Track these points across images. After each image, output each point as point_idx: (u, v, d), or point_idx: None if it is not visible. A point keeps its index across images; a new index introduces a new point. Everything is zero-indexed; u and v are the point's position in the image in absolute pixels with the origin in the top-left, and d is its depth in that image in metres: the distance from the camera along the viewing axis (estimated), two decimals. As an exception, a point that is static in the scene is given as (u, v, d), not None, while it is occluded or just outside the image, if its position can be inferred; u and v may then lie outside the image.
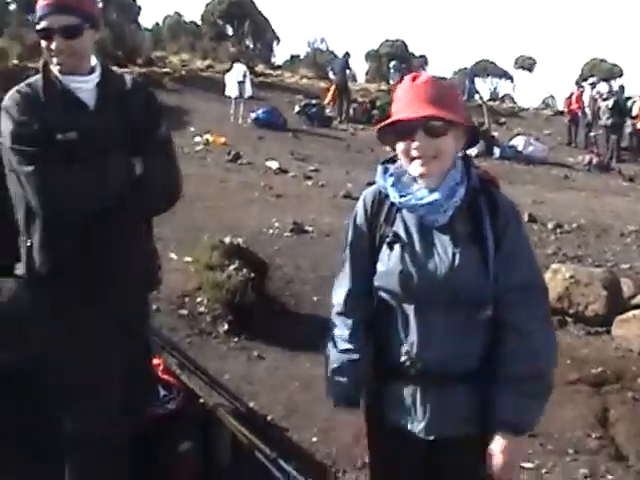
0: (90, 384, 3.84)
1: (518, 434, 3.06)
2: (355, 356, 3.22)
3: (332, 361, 3.30)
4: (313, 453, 5.49)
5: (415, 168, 3.01)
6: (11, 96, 3.70)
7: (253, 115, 23.43)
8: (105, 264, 3.81)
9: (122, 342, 3.94)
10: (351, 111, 28.27)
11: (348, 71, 29.64)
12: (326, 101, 28.34)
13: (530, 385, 3.01)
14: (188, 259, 8.01)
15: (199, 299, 7.52)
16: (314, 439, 5.63)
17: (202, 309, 7.41)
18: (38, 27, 3.68)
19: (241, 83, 24.15)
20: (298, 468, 4.92)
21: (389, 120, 3.06)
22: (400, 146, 3.05)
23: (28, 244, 3.85)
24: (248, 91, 24.65)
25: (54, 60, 3.71)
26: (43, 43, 3.70)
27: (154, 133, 3.91)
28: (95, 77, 3.81)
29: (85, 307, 3.83)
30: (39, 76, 3.76)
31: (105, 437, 3.86)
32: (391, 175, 3.13)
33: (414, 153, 3.00)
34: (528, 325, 3.02)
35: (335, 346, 3.30)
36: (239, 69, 24.75)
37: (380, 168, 3.20)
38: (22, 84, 3.77)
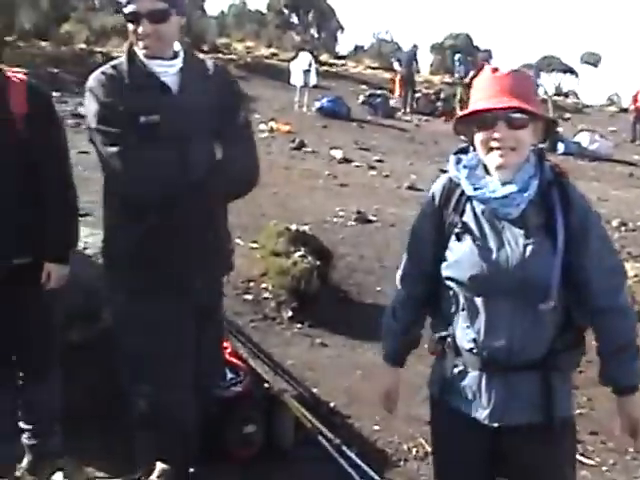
0: (164, 364, 3.90)
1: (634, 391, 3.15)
2: (399, 326, 3.40)
3: (383, 324, 3.46)
4: (374, 441, 5.50)
5: (494, 159, 3.01)
6: (96, 77, 3.76)
7: (317, 104, 23.42)
8: (183, 247, 3.86)
9: (197, 324, 4.01)
10: (415, 103, 28.20)
11: (415, 63, 29.54)
12: (396, 93, 28.31)
13: (631, 352, 3.11)
14: (253, 245, 8.06)
15: (264, 285, 7.57)
16: (375, 427, 5.65)
17: (267, 295, 7.46)
18: (126, 10, 3.73)
19: (306, 72, 24.15)
20: (360, 455, 4.97)
21: (470, 110, 3.06)
22: (479, 136, 3.05)
23: (107, 225, 3.94)
24: (313, 80, 24.65)
25: (140, 44, 3.76)
26: (130, 26, 3.75)
27: (235, 118, 3.94)
28: (178, 62, 3.85)
29: (163, 288, 3.90)
30: (123, 58, 3.81)
31: (175, 416, 3.92)
32: (465, 167, 3.14)
33: (494, 144, 2.99)
34: (624, 305, 3.14)
35: (388, 313, 3.45)
36: (305, 58, 24.77)
37: (453, 158, 3.21)
38: (107, 65, 3.82)
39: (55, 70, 21.24)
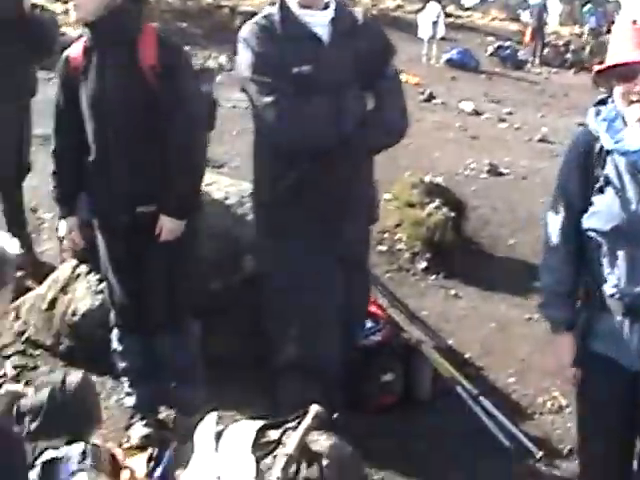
0: (311, 310, 3.97)
1: None
2: (566, 288, 3.32)
3: (546, 291, 3.40)
4: (509, 394, 5.49)
5: (634, 112, 2.97)
6: (249, 28, 3.79)
7: (446, 56, 23.21)
8: (334, 196, 3.90)
9: (345, 273, 4.05)
10: (544, 55, 27.66)
11: (545, 14, 28.90)
12: (525, 43, 27.84)
13: None
14: (387, 196, 8.06)
15: (398, 236, 7.57)
16: (510, 380, 5.64)
17: (401, 246, 7.47)
18: None
19: (434, 23, 23.89)
20: (496, 407, 4.98)
21: (611, 62, 3.01)
22: (619, 89, 3.01)
23: (257, 174, 4.00)
24: (441, 31, 24.38)
25: None
26: None
27: (385, 70, 3.94)
28: (330, 12, 3.86)
29: (313, 236, 3.95)
30: (275, 9, 3.84)
31: (322, 363, 3.98)
32: (604, 120, 3.09)
33: (634, 97, 2.96)
34: None
35: (546, 275, 3.39)
36: (433, 9, 24.44)
37: (592, 110, 3.17)
38: (259, 16, 3.85)
39: (183, 24, 21.47)
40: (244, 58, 3.78)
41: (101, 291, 5.13)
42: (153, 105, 4.08)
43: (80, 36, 4.34)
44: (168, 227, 4.17)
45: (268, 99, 3.67)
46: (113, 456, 3.35)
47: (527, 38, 28.01)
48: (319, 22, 3.82)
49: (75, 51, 4.22)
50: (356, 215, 4.07)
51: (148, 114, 4.10)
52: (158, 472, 3.76)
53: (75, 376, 3.77)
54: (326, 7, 3.86)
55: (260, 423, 3.18)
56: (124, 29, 4.09)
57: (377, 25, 4.18)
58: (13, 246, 2.38)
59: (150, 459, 3.86)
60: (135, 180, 4.19)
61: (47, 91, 7.82)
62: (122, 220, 4.25)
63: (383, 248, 7.43)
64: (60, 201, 4.50)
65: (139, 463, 3.34)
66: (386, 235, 7.57)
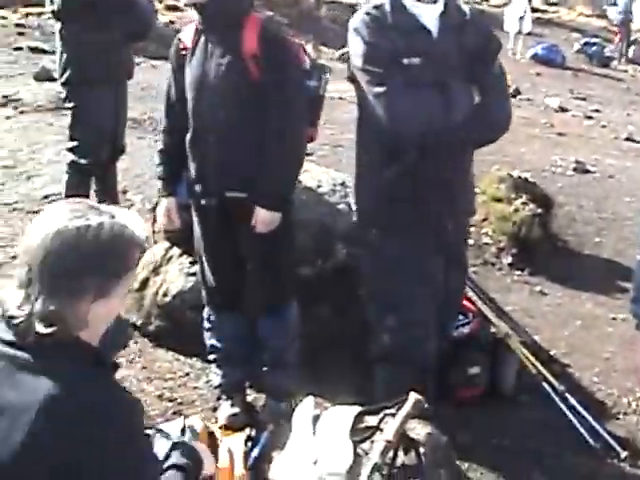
0: (411, 301, 4.00)
1: None
2: None
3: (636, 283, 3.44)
4: (593, 392, 5.46)
5: None
6: (360, 18, 3.81)
7: (531, 51, 22.98)
8: (438, 188, 3.92)
9: (444, 265, 4.09)
10: (631, 52, 27.20)
11: (631, 12, 28.42)
12: (616, 41, 27.42)
13: None
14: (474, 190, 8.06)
15: (484, 230, 7.57)
16: (594, 379, 5.61)
17: (487, 240, 7.46)
18: None
19: (521, 18, 23.69)
20: (581, 405, 4.96)
21: None
22: None
23: (360, 163, 4.04)
24: (527, 26, 24.17)
25: None
26: None
27: (491, 65, 3.93)
28: (439, 6, 3.86)
29: (416, 227, 3.98)
30: (386, 0, 3.86)
31: (418, 353, 4.01)
32: None
33: None
34: None
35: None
36: (520, 3, 24.22)
37: None
38: (369, 6, 3.86)
39: (269, 13, 21.56)
40: (355, 48, 3.80)
41: (193, 273, 5.23)
42: (252, 93, 4.12)
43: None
44: (263, 219, 4.20)
45: (379, 89, 3.68)
46: (211, 434, 3.41)
47: (617, 36, 27.55)
48: (429, 15, 3.83)
49: (186, 33, 4.31)
50: (457, 206, 4.11)
51: (246, 101, 4.14)
52: (255, 452, 3.81)
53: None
54: (435, 1, 3.87)
55: (358, 409, 3.23)
56: (232, 13, 4.14)
57: (484, 21, 4.18)
58: (142, 229, 2.42)
59: (248, 439, 3.92)
60: (226, 165, 4.23)
61: (138, 75, 8.01)
62: (212, 203, 4.33)
63: (469, 242, 7.39)
64: (163, 180, 4.58)
65: (236, 442, 3.40)
66: (472, 229, 7.55)
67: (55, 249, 2.20)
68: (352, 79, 3.89)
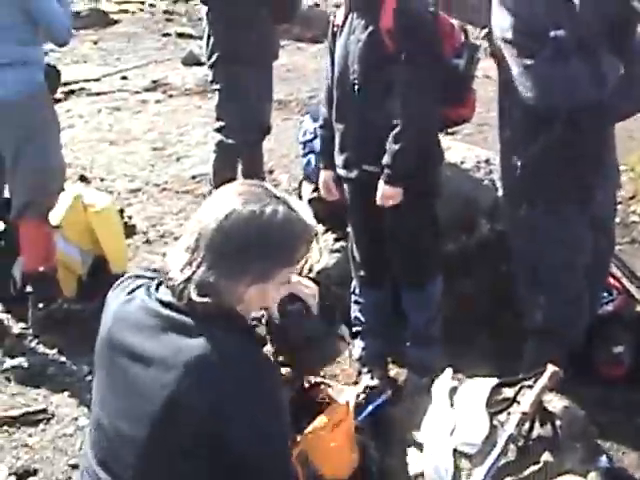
0: (562, 275, 4.08)
1: None
2: None
3: None
4: None
5: None
6: None
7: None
8: (585, 159, 3.92)
9: (592, 237, 4.08)
10: None
11: None
12: None
13: None
14: (622, 167, 7.87)
15: (632, 208, 7.36)
16: None
17: (635, 218, 7.27)
18: None
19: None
20: None
21: None
22: None
23: (505, 138, 4.04)
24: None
25: None
26: None
27: (632, 34, 3.85)
28: None
29: (565, 200, 4.00)
30: None
31: (567, 330, 4.13)
32: None
33: None
34: None
35: None
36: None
37: None
38: None
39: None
40: (500, 20, 3.80)
41: (337, 250, 5.32)
42: (387, 67, 4.19)
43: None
44: (384, 193, 4.26)
45: (527, 62, 3.69)
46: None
47: None
48: None
49: (339, 12, 4.46)
50: (606, 179, 4.09)
51: (381, 75, 4.21)
52: (369, 409, 3.75)
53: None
54: None
55: (495, 380, 3.24)
56: None
57: None
58: (314, 224, 2.45)
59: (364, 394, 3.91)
60: (364, 138, 4.34)
61: (283, 57, 8.12)
62: (352, 175, 4.42)
63: (616, 220, 7.24)
64: (322, 152, 4.73)
65: (349, 393, 3.34)
66: (620, 207, 7.38)
67: (226, 228, 2.26)
68: (494, 54, 3.88)
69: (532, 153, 3.90)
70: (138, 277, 2.52)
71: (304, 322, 2.79)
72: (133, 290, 2.43)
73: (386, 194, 4.24)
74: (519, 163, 4.02)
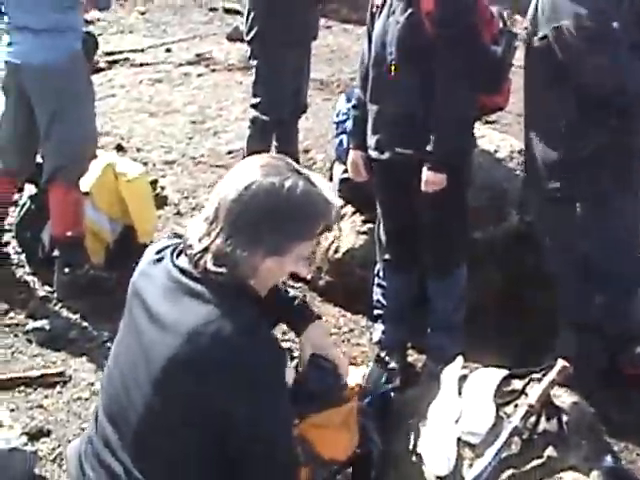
0: (616, 267, 4.13)
1: None
2: None
3: None
4: None
5: None
6: None
7: None
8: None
9: None
10: None
11: None
12: None
13: None
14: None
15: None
16: None
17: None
18: None
19: None
20: None
21: None
22: None
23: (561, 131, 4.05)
24: None
25: None
26: None
27: None
28: None
29: (621, 198, 4.04)
30: None
31: (618, 323, 4.29)
32: None
33: None
34: None
35: None
36: None
37: None
38: None
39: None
40: (566, 7, 3.79)
41: (365, 232, 5.33)
42: (425, 50, 4.16)
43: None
44: (428, 179, 4.24)
45: (600, 53, 3.74)
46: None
47: None
48: None
49: None
50: None
51: (419, 57, 4.19)
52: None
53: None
54: None
55: (506, 372, 3.22)
56: None
57: None
58: (336, 203, 2.46)
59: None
60: (397, 120, 4.32)
61: (328, 38, 8.07)
62: (384, 157, 4.40)
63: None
64: (353, 133, 4.74)
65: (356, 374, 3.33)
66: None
67: (245, 199, 2.28)
68: (548, 43, 3.88)
69: (587, 146, 3.93)
70: (171, 238, 2.59)
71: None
72: (161, 250, 2.49)
73: (430, 180, 4.23)
74: (575, 155, 4.02)
